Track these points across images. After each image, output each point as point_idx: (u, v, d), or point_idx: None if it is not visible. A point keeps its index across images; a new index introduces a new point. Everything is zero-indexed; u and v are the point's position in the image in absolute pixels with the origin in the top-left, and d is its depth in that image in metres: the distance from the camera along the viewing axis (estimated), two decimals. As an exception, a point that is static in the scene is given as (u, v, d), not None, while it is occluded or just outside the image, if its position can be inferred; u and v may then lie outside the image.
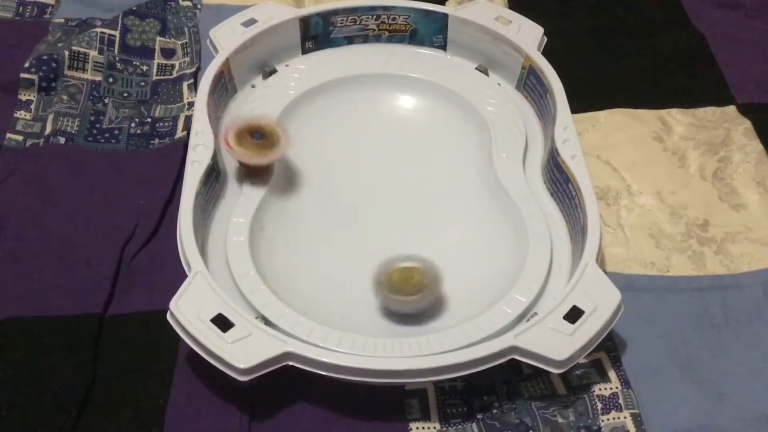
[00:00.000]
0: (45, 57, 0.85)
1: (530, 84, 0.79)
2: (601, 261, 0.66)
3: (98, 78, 0.86)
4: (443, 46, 0.84)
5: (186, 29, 0.92)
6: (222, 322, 0.58)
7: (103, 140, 0.81)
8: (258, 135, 0.69)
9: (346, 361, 0.57)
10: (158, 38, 0.90)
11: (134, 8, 0.92)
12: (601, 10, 0.98)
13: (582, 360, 0.59)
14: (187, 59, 0.89)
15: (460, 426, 0.61)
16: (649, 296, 0.69)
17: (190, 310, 0.58)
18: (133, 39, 0.89)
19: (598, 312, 0.59)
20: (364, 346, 0.58)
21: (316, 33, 0.83)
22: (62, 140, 0.80)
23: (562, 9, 0.98)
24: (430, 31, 0.83)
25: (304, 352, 0.57)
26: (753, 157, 0.81)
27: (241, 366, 0.56)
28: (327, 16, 0.82)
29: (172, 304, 0.59)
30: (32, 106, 0.83)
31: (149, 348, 0.64)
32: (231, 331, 0.57)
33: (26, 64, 0.84)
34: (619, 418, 0.61)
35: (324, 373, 0.57)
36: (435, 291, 0.64)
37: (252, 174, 0.71)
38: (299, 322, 0.60)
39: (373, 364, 0.57)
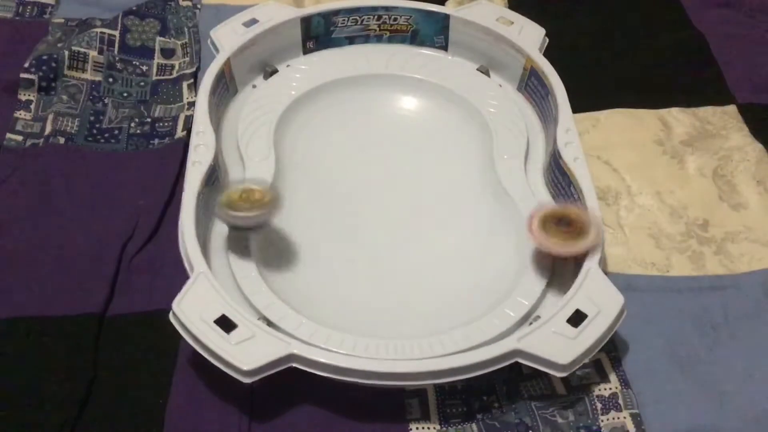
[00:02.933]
0: (45, 57, 0.85)
1: (532, 85, 0.79)
2: (601, 261, 0.66)
3: (98, 78, 0.86)
4: (444, 47, 0.84)
5: (186, 29, 0.92)
6: (225, 324, 0.58)
7: (103, 140, 0.81)
8: (565, 223, 0.63)
9: (348, 363, 0.57)
10: (158, 38, 0.90)
11: (134, 8, 0.92)
12: (601, 10, 0.98)
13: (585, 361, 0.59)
14: (187, 59, 0.89)
15: (460, 426, 0.61)
16: (649, 296, 0.69)
17: (192, 311, 0.58)
18: (133, 39, 0.89)
19: (601, 316, 0.59)
20: (366, 347, 0.58)
21: (318, 33, 0.83)
22: (62, 140, 0.79)
23: (562, 9, 0.98)
24: (431, 31, 0.83)
25: (308, 354, 0.57)
26: (753, 157, 0.81)
27: (245, 368, 0.56)
28: (328, 16, 0.82)
29: (175, 305, 0.58)
30: (32, 106, 0.83)
31: (149, 348, 0.64)
32: (234, 333, 0.57)
33: (26, 64, 0.84)
34: (618, 418, 0.61)
35: (326, 375, 0.57)
36: (275, 207, 0.65)
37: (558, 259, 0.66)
38: (301, 323, 0.60)
39: (376, 367, 0.57)
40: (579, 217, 0.63)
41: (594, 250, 0.63)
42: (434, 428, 0.61)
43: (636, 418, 0.61)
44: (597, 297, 0.60)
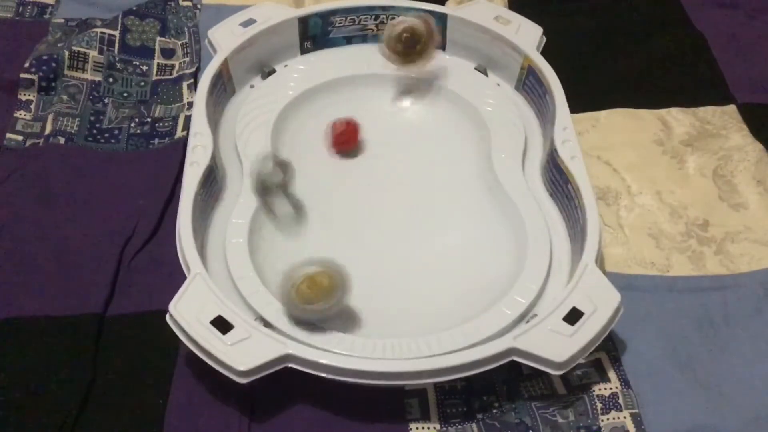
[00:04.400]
0: (45, 57, 0.85)
1: (529, 84, 0.79)
2: (601, 261, 0.66)
3: (98, 78, 0.86)
4: (442, 46, 0.84)
5: (186, 29, 0.92)
6: (221, 324, 0.58)
7: (103, 140, 0.81)
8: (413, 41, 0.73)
9: (345, 363, 0.57)
10: (158, 38, 0.90)
11: (134, 8, 0.92)
12: (601, 10, 0.98)
13: (582, 360, 0.59)
14: (187, 59, 0.89)
15: (459, 426, 0.61)
16: (649, 296, 0.69)
17: (189, 312, 0.58)
18: (133, 39, 0.89)
19: (597, 313, 0.59)
20: (364, 347, 0.58)
21: (315, 33, 0.83)
22: (62, 140, 0.80)
23: (561, 9, 0.98)
24: (429, 31, 0.83)
25: (304, 354, 0.57)
26: (753, 157, 0.81)
27: (241, 368, 0.56)
28: (326, 16, 0.82)
29: (172, 306, 0.59)
30: (32, 106, 0.83)
31: (149, 348, 0.64)
32: (230, 333, 0.57)
33: (26, 64, 0.84)
34: (619, 418, 0.61)
35: (323, 375, 0.57)
36: (344, 292, 0.60)
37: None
38: (299, 323, 0.60)
39: (373, 366, 0.57)
40: (421, 33, 0.74)
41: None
42: (434, 428, 0.60)
43: (636, 418, 0.61)
44: (593, 295, 0.60)
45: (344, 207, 0.74)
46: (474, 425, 0.61)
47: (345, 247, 0.70)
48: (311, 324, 0.60)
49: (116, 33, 0.89)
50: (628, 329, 0.65)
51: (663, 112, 0.85)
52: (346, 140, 0.76)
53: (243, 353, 0.56)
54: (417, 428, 0.60)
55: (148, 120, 0.83)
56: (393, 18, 0.82)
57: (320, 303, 0.59)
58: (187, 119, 0.81)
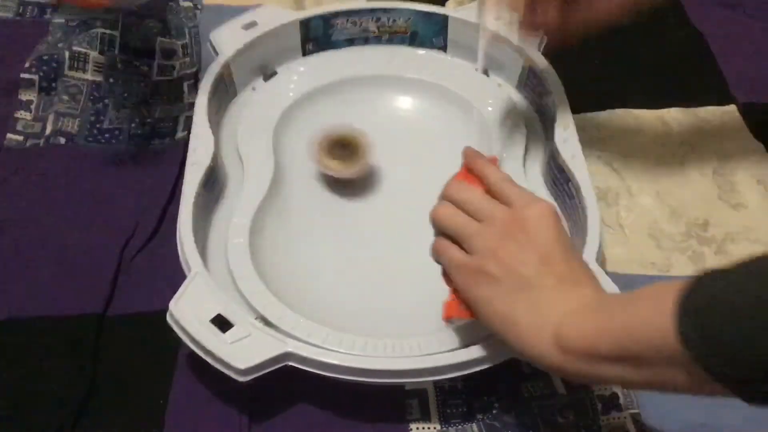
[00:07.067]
0: (45, 57, 0.85)
1: (531, 84, 0.79)
2: (601, 261, 0.66)
3: (99, 78, 0.86)
4: (443, 48, 0.84)
5: (186, 30, 0.92)
6: (221, 323, 0.58)
7: (103, 140, 0.81)
8: (341, 145, 0.72)
9: (345, 362, 0.57)
10: (159, 39, 0.90)
11: (134, 8, 0.92)
12: (601, 11, 0.98)
13: (582, 360, 0.59)
14: (188, 60, 0.89)
15: (460, 426, 0.61)
16: (649, 296, 0.69)
17: (189, 311, 0.58)
18: (134, 39, 0.89)
19: (598, 312, 0.59)
20: (365, 346, 0.58)
21: (317, 35, 0.83)
22: (63, 140, 0.80)
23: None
24: (430, 32, 0.83)
25: (304, 353, 0.57)
26: (753, 157, 0.81)
27: (240, 366, 0.56)
28: (327, 19, 0.82)
29: (172, 305, 0.59)
30: (32, 107, 0.83)
31: (149, 348, 0.64)
32: (230, 332, 0.57)
33: (26, 64, 0.84)
34: (619, 418, 0.61)
35: (324, 374, 0.57)
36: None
37: (339, 185, 0.73)
38: (299, 322, 0.60)
39: (373, 365, 0.57)
40: (355, 140, 0.73)
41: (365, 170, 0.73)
42: (434, 428, 0.60)
43: (636, 418, 0.61)
44: None
45: (345, 206, 0.74)
46: (474, 425, 0.61)
47: (346, 247, 0.71)
48: (311, 324, 0.60)
49: (117, 33, 0.89)
50: (629, 329, 0.65)
51: (663, 112, 0.85)
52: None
53: (242, 351, 0.56)
54: (417, 428, 0.60)
55: (149, 120, 0.83)
56: (394, 21, 0.82)
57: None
58: (188, 120, 0.81)
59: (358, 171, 0.73)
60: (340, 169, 0.72)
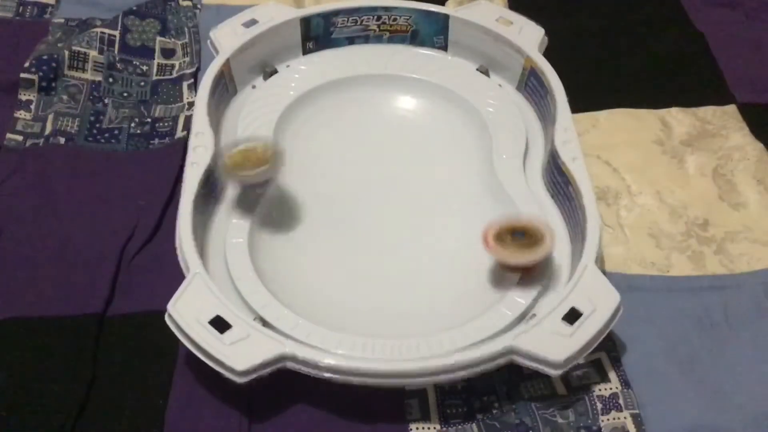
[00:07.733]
0: (45, 57, 0.85)
1: (531, 85, 0.79)
2: (601, 261, 0.66)
3: (98, 78, 0.86)
4: (444, 47, 0.84)
5: (186, 29, 0.92)
6: (220, 324, 0.58)
7: (103, 140, 0.81)
8: (520, 234, 0.64)
9: (344, 363, 0.57)
10: (158, 38, 0.90)
11: (134, 8, 0.92)
12: (601, 10, 0.98)
13: (582, 360, 0.59)
14: (187, 59, 0.89)
15: (460, 426, 0.61)
16: (649, 296, 0.69)
17: (187, 312, 0.58)
18: (133, 39, 0.89)
19: (596, 313, 0.59)
20: (363, 348, 0.58)
21: (317, 33, 0.83)
22: (62, 140, 0.80)
23: (562, 9, 0.98)
24: (431, 31, 0.83)
25: (302, 354, 0.57)
26: (753, 156, 0.81)
27: (239, 368, 0.56)
28: (328, 17, 0.82)
29: (170, 306, 0.59)
30: (32, 106, 0.83)
31: (149, 348, 0.64)
32: (228, 333, 0.57)
33: (26, 64, 0.84)
34: (619, 418, 0.61)
35: (323, 375, 0.57)
36: (279, 162, 0.68)
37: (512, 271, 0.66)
38: (298, 323, 0.60)
39: (372, 366, 0.57)
40: (533, 227, 0.63)
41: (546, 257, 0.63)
42: (434, 428, 0.60)
43: (636, 418, 0.61)
44: (593, 295, 0.60)
45: (344, 207, 0.74)
46: (474, 425, 0.61)
47: (344, 247, 0.70)
48: (311, 324, 0.60)
49: (116, 33, 0.89)
50: (628, 329, 0.65)
51: (663, 112, 0.85)
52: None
53: (241, 353, 0.56)
54: (417, 428, 0.60)
55: (149, 120, 0.83)
56: (395, 19, 0.82)
57: (251, 169, 0.67)
58: (188, 119, 0.81)
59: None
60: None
